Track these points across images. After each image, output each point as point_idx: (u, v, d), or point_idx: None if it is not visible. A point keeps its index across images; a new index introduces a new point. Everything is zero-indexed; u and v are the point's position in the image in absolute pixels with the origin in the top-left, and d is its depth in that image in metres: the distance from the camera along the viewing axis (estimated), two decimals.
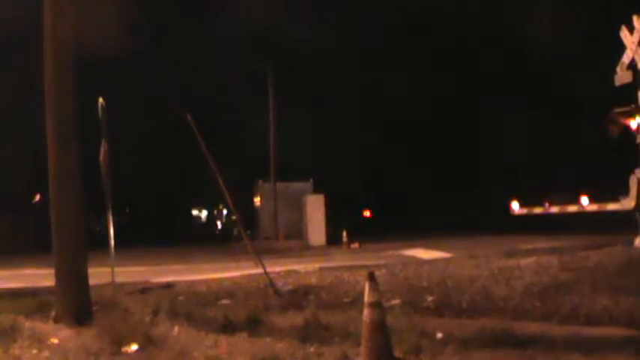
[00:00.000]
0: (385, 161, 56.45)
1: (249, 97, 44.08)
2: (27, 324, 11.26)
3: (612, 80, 22.56)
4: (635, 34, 22.03)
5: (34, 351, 9.60)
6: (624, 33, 22.38)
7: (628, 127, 22.52)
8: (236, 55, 42.04)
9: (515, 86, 48.65)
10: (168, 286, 17.10)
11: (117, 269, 15.23)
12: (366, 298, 8.50)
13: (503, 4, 45.87)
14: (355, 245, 33.90)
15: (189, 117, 15.24)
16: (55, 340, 10.26)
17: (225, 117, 48.65)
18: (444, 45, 50.13)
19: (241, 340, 9.89)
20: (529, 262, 17.39)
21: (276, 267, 19.41)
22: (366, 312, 8.46)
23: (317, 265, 21.50)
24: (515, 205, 27.98)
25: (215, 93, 48.62)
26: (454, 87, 50.95)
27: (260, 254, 16.83)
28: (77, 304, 11.90)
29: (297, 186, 41.36)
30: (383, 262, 22.12)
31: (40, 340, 10.19)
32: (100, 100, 15.01)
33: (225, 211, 77.09)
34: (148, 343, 9.65)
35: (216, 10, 42.34)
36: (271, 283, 14.98)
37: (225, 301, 13.68)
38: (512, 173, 49.22)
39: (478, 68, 49.59)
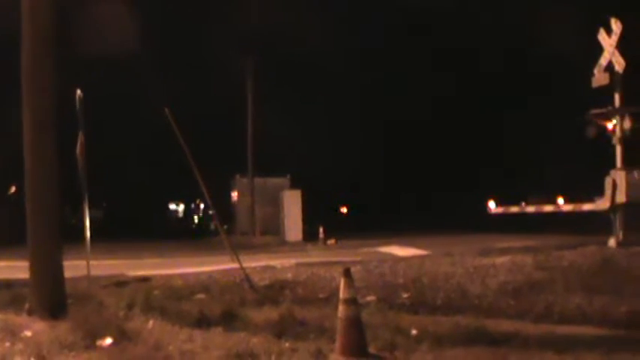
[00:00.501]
0: (363, 158, 56.61)
1: (231, 92, 43.99)
2: (0, 316, 11.19)
3: (590, 82, 22.74)
4: (613, 37, 22.19)
5: (7, 344, 9.54)
6: (602, 35, 22.53)
7: (605, 129, 22.69)
8: (221, 50, 41.96)
9: (494, 87, 48.89)
10: (144, 279, 17.05)
11: (92, 262, 15.17)
12: (342, 295, 8.52)
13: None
14: (331, 241, 33.95)
15: (166, 110, 15.19)
16: (29, 333, 10.20)
17: (206, 111, 48.65)
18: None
19: (216, 334, 9.88)
20: (504, 261, 17.48)
21: (252, 262, 19.42)
22: (341, 308, 8.48)
23: (293, 261, 21.52)
24: (491, 205, 28.15)
25: (197, 87, 48.63)
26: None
27: (236, 249, 16.81)
28: (51, 297, 11.84)
29: (274, 181, 41.39)
30: (359, 258, 22.17)
31: (13, 333, 10.13)
32: (78, 91, 14.93)
33: (202, 206, 76.99)
34: (122, 336, 9.62)
35: (208, 6, 42.29)
36: (247, 278, 14.98)
37: (200, 296, 13.66)
38: (490, 172, 49.46)
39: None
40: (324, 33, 45.25)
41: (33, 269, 12.04)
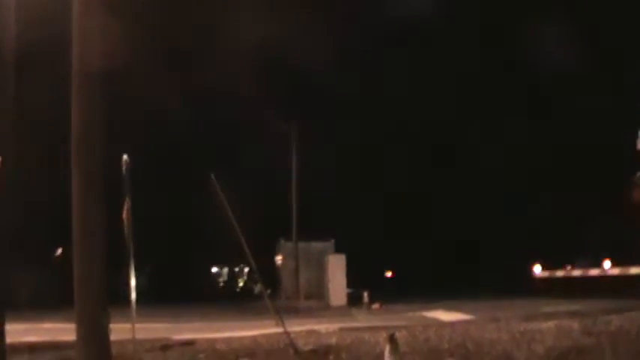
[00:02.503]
0: (407, 223, 56.56)
1: (274, 153, 44.32)
2: None
3: (635, 144, 22.60)
4: None
5: None
6: None
7: None
8: (261, 113, 42.36)
9: (539, 144, 48.67)
10: (189, 343, 17.09)
11: (137, 325, 15.24)
12: None
13: None
14: (376, 306, 33.81)
15: (212, 177, 15.32)
16: None
17: (249, 174, 49.01)
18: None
19: None
20: (550, 326, 17.30)
21: (296, 326, 19.36)
22: None
23: (337, 326, 21.45)
24: (537, 269, 27.94)
25: (239, 150, 49.07)
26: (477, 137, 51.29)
27: (281, 313, 16.81)
28: None
29: (318, 246, 41.39)
30: (404, 323, 22.05)
31: None
32: (125, 157, 15.12)
33: (246, 269, 77.03)
34: None
35: (244, 67, 42.82)
36: (291, 343, 14.95)
37: None
38: (534, 235, 49.08)
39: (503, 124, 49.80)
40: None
41: (79, 332, 12.13)
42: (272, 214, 46.42)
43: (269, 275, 37.96)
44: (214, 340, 17.65)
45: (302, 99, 42.81)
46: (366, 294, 34.75)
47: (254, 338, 17.70)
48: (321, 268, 39.06)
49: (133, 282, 15.35)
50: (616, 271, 24.76)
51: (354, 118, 52.16)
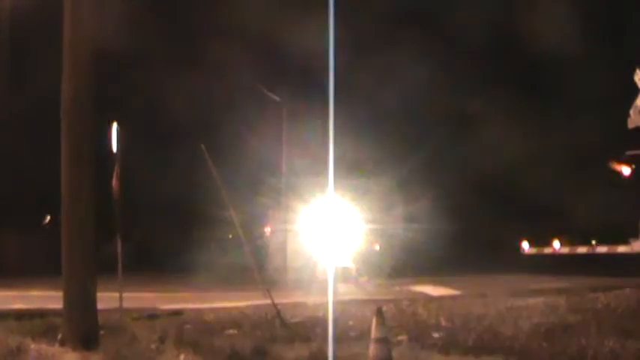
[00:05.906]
0: (394, 194, 56.46)
1: (264, 122, 44.08)
2: (33, 345, 11.28)
3: (625, 123, 22.60)
4: None
5: None
6: (638, 76, 22.42)
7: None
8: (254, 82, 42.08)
9: (531, 121, 48.48)
10: (176, 313, 17.10)
11: (125, 294, 15.23)
12: (373, 334, 8.51)
13: None
14: (364, 279, 33.79)
15: (202, 147, 15.27)
16: None
17: (240, 144, 48.80)
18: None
19: None
20: (537, 303, 17.36)
21: (284, 298, 19.35)
22: (372, 347, 8.48)
23: (325, 298, 21.44)
24: (525, 245, 27.96)
25: (230, 119, 48.83)
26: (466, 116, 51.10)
27: (268, 285, 16.82)
28: (84, 328, 11.91)
29: None
30: (391, 297, 22.08)
31: None
32: (115, 125, 15.05)
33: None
34: None
35: (238, 38, 42.59)
36: (278, 315, 14.96)
37: (231, 331, 13.67)
38: (523, 211, 49.06)
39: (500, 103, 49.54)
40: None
41: (66, 300, 12.14)
42: (262, 186, 46.27)
43: (257, 246, 37.87)
44: (202, 311, 17.67)
45: (294, 71, 42.40)
46: (354, 267, 34.71)
47: (241, 309, 17.71)
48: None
49: (120, 251, 15.33)
50: (604, 249, 24.80)
51: (346, 89, 51.86)
